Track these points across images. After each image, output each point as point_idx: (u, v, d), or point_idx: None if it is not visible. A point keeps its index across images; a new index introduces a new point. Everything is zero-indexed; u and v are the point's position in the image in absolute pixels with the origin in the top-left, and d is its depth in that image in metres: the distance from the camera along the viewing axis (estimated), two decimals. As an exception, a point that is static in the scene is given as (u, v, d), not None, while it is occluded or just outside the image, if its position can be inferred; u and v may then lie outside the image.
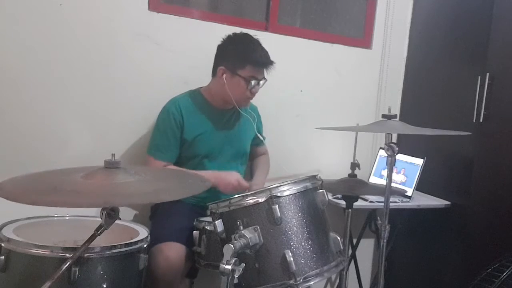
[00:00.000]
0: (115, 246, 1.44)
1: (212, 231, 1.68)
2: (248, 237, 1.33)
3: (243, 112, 2.07)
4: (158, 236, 1.77)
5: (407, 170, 2.45)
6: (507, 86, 2.16)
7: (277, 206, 1.37)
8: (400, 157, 2.44)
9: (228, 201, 1.42)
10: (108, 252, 1.42)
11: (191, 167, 1.98)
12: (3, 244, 1.41)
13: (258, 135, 2.13)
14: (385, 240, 1.73)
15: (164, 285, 1.72)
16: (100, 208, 1.20)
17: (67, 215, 1.74)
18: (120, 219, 1.23)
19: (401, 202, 2.34)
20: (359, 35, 2.73)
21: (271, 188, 1.40)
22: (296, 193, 1.42)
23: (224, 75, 1.95)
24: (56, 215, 1.71)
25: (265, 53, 1.97)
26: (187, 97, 2.05)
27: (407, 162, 2.47)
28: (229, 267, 1.20)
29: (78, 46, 2.02)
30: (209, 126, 2.04)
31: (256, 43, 1.98)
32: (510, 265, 2.00)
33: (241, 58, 1.94)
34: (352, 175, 1.93)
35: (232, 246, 1.25)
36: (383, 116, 1.76)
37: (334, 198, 2.25)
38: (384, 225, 1.71)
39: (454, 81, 2.45)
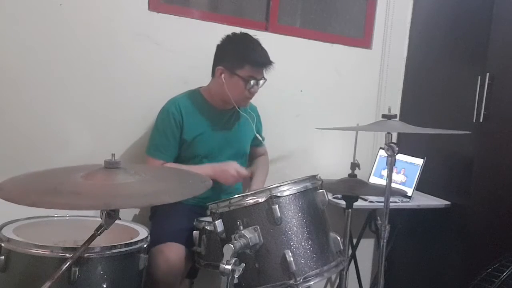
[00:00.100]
0: (115, 246, 1.44)
1: (212, 231, 1.68)
2: (248, 237, 1.33)
3: (242, 112, 2.07)
4: (158, 236, 1.77)
5: (407, 170, 2.46)
6: (507, 86, 2.16)
7: (277, 206, 1.37)
8: (400, 157, 2.44)
9: (228, 201, 1.42)
10: (108, 252, 1.42)
11: (191, 167, 1.98)
12: (3, 244, 1.41)
13: (257, 135, 2.12)
14: (385, 240, 1.73)
15: (165, 286, 1.72)
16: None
17: (67, 215, 1.74)
18: (120, 219, 1.23)
19: (401, 202, 2.34)
20: (359, 35, 2.73)
21: (271, 188, 1.40)
22: (296, 193, 1.42)
23: (223, 75, 1.95)
24: (56, 215, 1.71)
25: (264, 53, 1.97)
26: (186, 97, 2.05)
27: (407, 162, 2.47)
28: (229, 267, 1.20)
29: (78, 46, 2.02)
30: (209, 126, 2.04)
31: (255, 43, 1.97)
32: (510, 265, 2.00)
33: (239, 58, 1.93)
34: (352, 175, 1.93)
35: (232, 246, 1.25)
36: (383, 116, 1.76)
37: (334, 198, 2.25)
38: (384, 225, 1.71)
39: (454, 81, 2.45)
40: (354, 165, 1.93)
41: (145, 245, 1.56)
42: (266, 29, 2.44)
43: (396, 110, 2.78)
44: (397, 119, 1.78)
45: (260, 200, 1.39)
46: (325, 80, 2.61)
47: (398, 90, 2.83)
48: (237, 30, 2.07)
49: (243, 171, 1.95)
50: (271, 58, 1.98)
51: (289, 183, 1.43)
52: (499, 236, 2.16)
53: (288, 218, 1.39)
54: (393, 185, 1.79)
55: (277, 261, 1.36)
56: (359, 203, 2.08)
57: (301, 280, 1.35)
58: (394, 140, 2.49)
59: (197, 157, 2.01)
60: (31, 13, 1.93)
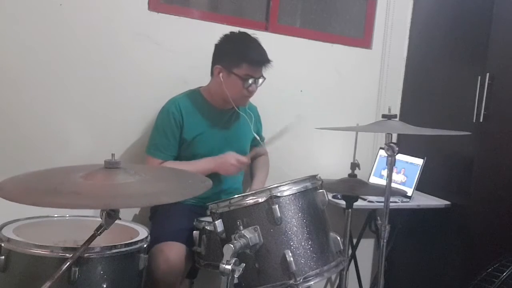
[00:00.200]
0: (115, 246, 1.44)
1: (212, 231, 1.68)
2: (248, 237, 1.33)
3: (240, 112, 2.06)
4: (158, 236, 1.77)
5: (407, 170, 2.46)
6: (507, 86, 2.16)
7: (277, 206, 1.37)
8: (400, 157, 2.44)
9: (228, 201, 1.42)
10: (108, 252, 1.42)
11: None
12: (3, 244, 1.41)
13: (256, 136, 2.12)
14: (385, 240, 1.73)
15: (165, 286, 1.72)
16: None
17: (67, 215, 1.74)
18: (120, 219, 1.23)
19: (401, 202, 2.34)
20: (359, 35, 2.73)
21: (271, 188, 1.40)
22: (296, 193, 1.42)
23: (221, 74, 1.95)
24: (56, 215, 1.71)
25: (261, 51, 1.96)
26: (186, 97, 2.05)
27: (407, 162, 2.47)
28: (229, 267, 1.20)
29: (78, 46, 2.02)
30: (209, 126, 2.04)
31: (253, 41, 1.97)
32: (510, 265, 2.00)
33: (236, 57, 1.93)
34: (352, 175, 1.93)
35: (232, 246, 1.25)
36: (383, 116, 1.75)
37: (334, 198, 2.25)
38: (384, 225, 1.71)
39: (454, 81, 2.45)
40: (354, 165, 1.93)
41: (145, 245, 1.56)
42: (266, 29, 2.44)
43: (396, 110, 2.78)
44: (397, 119, 1.78)
45: (260, 200, 1.39)
46: (325, 80, 2.61)
47: (398, 90, 2.83)
48: (237, 30, 2.07)
49: (242, 158, 1.95)
50: (271, 58, 1.98)
51: (289, 183, 1.43)
52: (499, 236, 2.16)
53: (288, 218, 1.39)
54: (393, 185, 1.79)
55: (277, 261, 1.36)
56: (359, 203, 2.08)
57: (301, 280, 1.35)
58: (394, 140, 2.49)
59: (197, 156, 2.01)
60: (31, 13, 1.93)
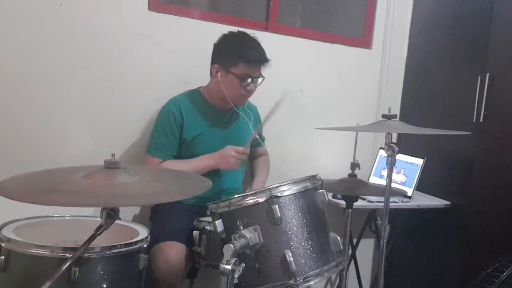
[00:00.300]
0: (115, 246, 1.44)
1: (212, 231, 1.68)
2: (248, 237, 1.33)
3: (239, 111, 2.06)
4: (158, 236, 1.77)
5: (407, 170, 2.46)
6: (507, 86, 2.16)
7: (277, 206, 1.37)
8: (400, 157, 2.44)
9: (228, 201, 1.42)
10: (108, 252, 1.42)
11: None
12: (3, 244, 1.41)
13: (255, 135, 2.11)
14: (385, 240, 1.73)
15: (165, 286, 1.72)
16: (100, 208, 1.20)
17: (67, 215, 1.74)
18: (120, 219, 1.23)
19: (401, 202, 2.34)
20: (359, 35, 2.73)
21: (271, 188, 1.40)
22: (296, 193, 1.42)
23: (219, 73, 1.96)
24: (56, 215, 1.71)
25: (259, 50, 1.96)
26: (186, 96, 2.05)
27: (407, 162, 2.47)
28: (229, 267, 1.20)
29: (78, 46, 2.02)
30: (209, 126, 2.04)
31: (250, 40, 1.97)
32: (510, 265, 2.00)
33: (234, 56, 1.93)
34: (352, 175, 1.93)
35: (232, 246, 1.25)
36: (383, 116, 1.75)
37: (334, 198, 2.25)
38: (384, 225, 1.71)
39: (454, 81, 2.45)
40: (354, 165, 1.93)
41: (145, 245, 1.56)
42: (266, 29, 2.44)
43: (396, 110, 2.78)
44: (397, 119, 1.78)
45: (260, 200, 1.39)
46: (325, 80, 2.61)
47: (398, 90, 2.83)
48: (237, 29, 2.07)
49: (241, 148, 1.93)
50: (271, 58, 1.98)
51: (289, 183, 1.43)
52: (499, 236, 2.16)
53: (288, 218, 1.39)
54: (393, 185, 1.79)
55: (277, 261, 1.36)
56: (359, 203, 2.08)
57: (301, 280, 1.35)
58: (394, 140, 2.49)
59: (197, 156, 2.01)
60: (31, 13, 1.93)
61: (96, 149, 2.03)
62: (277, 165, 2.39)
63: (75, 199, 1.10)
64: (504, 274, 1.98)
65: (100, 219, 1.20)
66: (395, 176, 2.46)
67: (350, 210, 1.95)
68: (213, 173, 1.96)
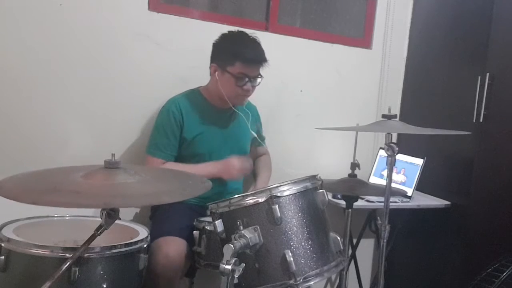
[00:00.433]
0: (115, 246, 1.44)
1: (212, 231, 1.68)
2: (248, 237, 1.33)
3: (237, 111, 2.06)
4: (158, 232, 1.78)
5: (407, 170, 2.45)
6: (507, 86, 2.16)
7: (277, 206, 1.37)
8: (400, 157, 2.44)
9: (228, 201, 1.42)
10: (108, 252, 1.42)
11: (191, 167, 1.98)
12: (3, 244, 1.41)
13: (253, 133, 2.11)
14: (385, 240, 1.73)
15: (164, 282, 1.72)
16: (100, 208, 1.20)
17: (67, 215, 1.74)
18: (120, 219, 1.23)
19: (401, 202, 2.34)
20: (359, 35, 2.73)
21: (271, 188, 1.40)
22: (296, 193, 1.42)
23: (216, 73, 1.96)
24: (56, 215, 1.71)
25: (256, 50, 1.95)
26: (186, 96, 2.05)
27: (407, 162, 2.47)
28: (229, 267, 1.20)
29: (78, 46, 2.02)
30: (209, 125, 2.04)
31: (248, 40, 1.96)
32: (510, 265, 2.00)
33: (230, 55, 1.93)
34: (352, 175, 1.93)
35: (232, 246, 1.25)
36: (383, 116, 1.75)
37: (334, 198, 2.25)
38: (384, 225, 1.71)
39: (454, 81, 2.45)
40: (354, 165, 1.93)
41: (145, 245, 1.56)
42: (266, 29, 2.44)
43: (396, 110, 2.78)
44: (397, 119, 1.78)
45: (260, 200, 1.39)
46: (325, 80, 2.61)
47: (398, 90, 2.83)
48: (236, 29, 2.07)
49: (246, 163, 1.95)
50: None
51: (289, 183, 1.43)
52: (499, 236, 2.16)
53: (288, 218, 1.39)
54: (393, 185, 1.79)
55: (277, 261, 1.36)
56: (359, 203, 2.08)
57: (301, 280, 1.35)
58: (394, 140, 2.49)
59: (197, 156, 2.01)
60: (31, 13, 1.93)
61: (96, 149, 2.03)
62: (277, 165, 2.39)
63: (75, 199, 1.10)
64: (504, 274, 1.98)
65: (100, 219, 1.20)
66: (395, 176, 2.46)
67: (350, 210, 1.95)
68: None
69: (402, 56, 2.80)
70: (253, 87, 1.99)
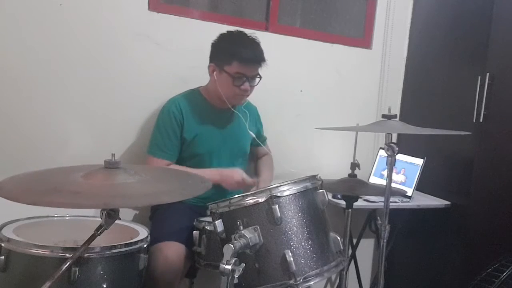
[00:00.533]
0: (115, 246, 1.44)
1: (212, 231, 1.68)
2: (248, 237, 1.33)
3: (235, 111, 2.06)
4: (158, 235, 1.77)
5: (407, 170, 2.45)
6: (507, 86, 2.16)
7: (277, 206, 1.37)
8: (400, 157, 2.44)
9: (228, 201, 1.42)
10: (108, 252, 1.42)
11: (191, 167, 1.98)
12: (3, 244, 1.41)
13: (251, 134, 2.11)
14: (385, 240, 1.73)
15: (164, 285, 1.72)
16: (100, 208, 1.20)
17: (67, 215, 1.74)
18: (120, 219, 1.23)
19: (401, 202, 2.34)
20: (359, 35, 2.73)
21: (271, 188, 1.40)
22: (296, 193, 1.42)
23: (215, 72, 1.96)
24: (56, 215, 1.71)
25: (254, 50, 1.94)
26: (186, 96, 2.05)
27: (407, 162, 2.47)
28: (229, 267, 1.20)
29: (78, 46, 2.02)
30: (208, 125, 2.04)
31: (246, 40, 1.96)
32: (510, 265, 2.00)
33: (228, 54, 1.93)
34: (352, 175, 1.93)
35: (232, 246, 1.25)
36: (383, 116, 1.75)
37: (334, 198, 2.25)
38: (384, 225, 1.71)
39: (454, 81, 2.45)
40: (354, 165, 1.93)
41: (145, 245, 1.56)
42: (266, 29, 2.44)
43: (396, 110, 2.78)
44: (397, 119, 1.78)
45: (260, 200, 1.38)
46: (325, 80, 2.61)
47: (398, 90, 2.83)
48: (236, 29, 2.07)
49: (249, 179, 1.95)
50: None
51: (289, 183, 1.43)
52: (499, 236, 2.16)
53: (288, 218, 1.39)
54: (393, 185, 1.79)
55: (277, 261, 1.36)
56: (359, 203, 2.08)
57: (301, 280, 1.35)
58: (394, 140, 2.49)
59: (197, 156, 2.01)
60: (31, 13, 1.93)
61: (96, 149, 2.03)
62: (277, 165, 2.39)
63: (75, 200, 1.10)
64: (504, 274, 1.98)
65: (100, 219, 1.20)
66: (395, 176, 2.46)
67: (350, 210, 1.95)
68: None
69: (402, 56, 2.80)
70: (252, 87, 1.99)
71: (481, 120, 2.19)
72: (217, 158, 2.04)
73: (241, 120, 2.09)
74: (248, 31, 2.02)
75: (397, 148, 1.65)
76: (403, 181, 2.46)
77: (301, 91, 2.55)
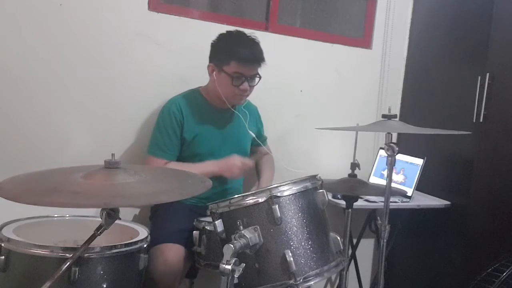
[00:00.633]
0: (115, 246, 1.44)
1: (212, 231, 1.68)
2: (248, 237, 1.33)
3: (235, 111, 2.06)
4: (158, 237, 1.77)
5: (407, 170, 2.46)
6: (507, 86, 2.16)
7: (277, 206, 1.37)
8: (400, 157, 2.44)
9: (228, 201, 1.42)
10: (108, 252, 1.42)
11: (191, 167, 1.98)
12: (3, 244, 1.41)
13: (251, 134, 2.11)
14: (385, 240, 1.73)
15: (163, 287, 1.72)
16: (100, 208, 1.20)
17: (67, 215, 1.74)
18: (120, 219, 1.23)
19: (401, 202, 2.34)
20: (359, 35, 2.73)
21: (271, 188, 1.40)
22: (296, 193, 1.42)
23: (214, 72, 1.96)
24: (56, 215, 1.72)
25: (253, 50, 1.94)
26: (186, 96, 2.05)
27: (407, 162, 2.47)
28: (229, 267, 1.20)
29: (78, 46, 2.02)
30: (209, 125, 2.04)
31: (245, 40, 1.96)
32: (510, 265, 2.00)
33: (226, 54, 1.93)
34: (352, 175, 1.93)
35: (232, 246, 1.25)
36: (383, 116, 1.75)
37: (334, 198, 2.25)
38: (384, 225, 1.71)
39: (454, 81, 2.45)
40: (354, 165, 1.93)
41: (145, 245, 1.56)
42: (266, 29, 2.44)
43: (396, 110, 2.78)
44: (397, 119, 1.78)
45: (260, 200, 1.39)
46: (325, 80, 2.61)
47: (398, 90, 2.83)
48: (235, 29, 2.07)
49: (247, 161, 1.95)
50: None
51: (289, 183, 1.43)
52: (499, 236, 2.16)
53: (288, 218, 1.39)
54: (393, 185, 1.79)
55: (277, 261, 1.36)
56: (359, 203, 2.08)
57: (301, 280, 1.35)
58: (394, 140, 2.49)
59: (197, 156, 2.01)
60: (31, 13, 1.93)
61: (96, 149, 2.03)
62: (277, 165, 2.39)
63: (75, 199, 1.10)
64: (504, 274, 1.98)
65: (100, 219, 1.20)
66: (395, 176, 2.46)
67: (350, 210, 1.95)
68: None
69: (402, 56, 2.80)
70: (251, 87, 1.98)
71: (481, 120, 2.19)
72: (217, 158, 2.03)
73: (241, 120, 2.09)
74: (247, 31, 2.01)
75: (397, 148, 1.65)
76: (403, 181, 2.46)
77: (301, 91, 2.55)
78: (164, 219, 1.95)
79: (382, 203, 1.71)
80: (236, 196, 1.42)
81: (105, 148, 1.85)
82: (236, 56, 1.90)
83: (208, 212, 1.55)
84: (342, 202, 2.04)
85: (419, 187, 2.41)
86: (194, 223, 1.83)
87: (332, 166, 2.41)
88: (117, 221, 1.22)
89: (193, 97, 2.06)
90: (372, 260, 2.87)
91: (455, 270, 2.32)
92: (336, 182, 1.91)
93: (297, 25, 2.58)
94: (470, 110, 2.22)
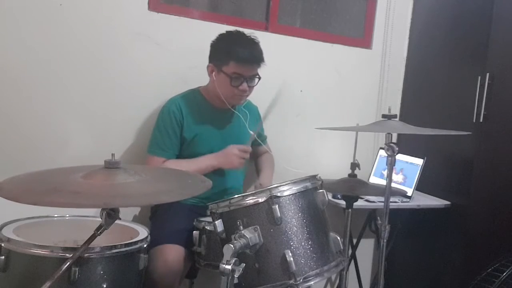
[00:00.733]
0: (115, 246, 1.44)
1: (212, 231, 1.68)
2: (248, 237, 1.33)
3: (234, 111, 2.06)
4: (158, 237, 1.77)
5: (407, 170, 2.46)
6: (507, 86, 2.16)
7: (277, 206, 1.37)
8: (400, 157, 2.44)
9: (228, 201, 1.42)
10: (108, 252, 1.42)
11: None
12: (3, 244, 1.41)
13: (252, 133, 2.11)
14: (385, 240, 1.73)
15: (163, 287, 1.72)
16: (100, 208, 1.20)
17: (67, 215, 1.74)
18: (120, 219, 1.23)
19: (401, 202, 2.34)
20: (359, 35, 2.73)
21: (271, 188, 1.40)
22: (296, 193, 1.42)
23: (213, 73, 1.96)
24: (56, 215, 1.71)
25: (252, 50, 1.93)
26: (186, 96, 2.05)
27: (407, 162, 2.47)
28: (229, 267, 1.20)
29: (78, 46, 2.02)
30: (208, 125, 2.04)
31: (244, 40, 1.95)
32: (510, 265, 2.01)
33: (225, 54, 1.92)
34: (352, 175, 1.93)
35: (232, 246, 1.25)
36: (383, 116, 1.75)
37: (334, 198, 2.25)
38: (384, 225, 1.71)
39: (454, 81, 2.45)
40: (354, 165, 1.93)
41: (145, 245, 1.56)
42: (266, 29, 2.44)
43: (396, 110, 2.78)
44: (397, 119, 1.78)
45: (260, 200, 1.38)
46: (325, 80, 2.61)
47: (398, 90, 2.83)
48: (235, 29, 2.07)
49: (243, 146, 1.95)
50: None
51: (289, 183, 1.43)
52: (499, 236, 2.16)
53: (288, 218, 1.39)
54: (393, 185, 1.79)
55: (277, 261, 1.36)
56: (359, 203, 2.08)
57: (301, 280, 1.35)
58: (394, 140, 2.49)
59: (197, 156, 2.01)
60: (31, 13, 1.93)
61: (96, 149, 2.03)
62: (277, 165, 2.39)
63: (75, 200, 1.10)
64: (504, 274, 1.98)
65: (100, 219, 1.20)
66: (395, 176, 2.46)
67: (350, 210, 1.95)
68: (214, 173, 1.96)
69: (402, 56, 2.80)
70: (250, 87, 1.98)
71: (481, 120, 2.19)
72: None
73: (241, 120, 2.09)
74: (247, 31, 2.01)
75: (397, 148, 1.65)
76: (403, 181, 2.46)
77: (301, 91, 2.55)
78: (164, 219, 1.95)
79: (382, 203, 1.71)
80: (236, 196, 1.42)
81: (105, 148, 1.85)
82: (235, 57, 1.90)
83: (208, 212, 1.55)
84: (342, 202, 2.04)
85: (419, 187, 2.41)
86: (194, 223, 1.83)
87: (332, 166, 2.41)
88: (117, 221, 1.22)
89: (193, 97, 2.06)
90: (372, 260, 2.87)
91: (455, 270, 2.32)
92: (336, 182, 1.92)
93: (297, 25, 2.58)
94: (470, 110, 2.22)
